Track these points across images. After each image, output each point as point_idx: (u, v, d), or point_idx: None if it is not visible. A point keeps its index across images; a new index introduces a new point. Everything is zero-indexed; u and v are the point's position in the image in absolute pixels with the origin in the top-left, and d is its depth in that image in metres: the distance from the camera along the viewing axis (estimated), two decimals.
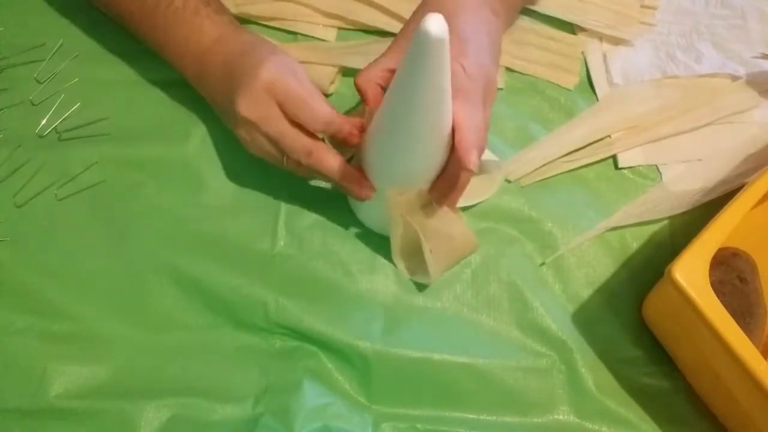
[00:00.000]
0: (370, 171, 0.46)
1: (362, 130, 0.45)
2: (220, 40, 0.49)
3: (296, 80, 0.45)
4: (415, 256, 0.50)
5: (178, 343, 0.49)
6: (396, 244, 0.49)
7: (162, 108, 0.55)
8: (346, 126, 0.45)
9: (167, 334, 0.49)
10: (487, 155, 0.49)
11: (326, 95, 0.57)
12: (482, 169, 0.49)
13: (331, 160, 0.46)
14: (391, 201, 0.46)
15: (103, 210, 0.52)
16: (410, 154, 0.43)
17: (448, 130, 0.41)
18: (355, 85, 0.45)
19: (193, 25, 0.49)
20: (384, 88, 0.44)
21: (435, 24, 0.34)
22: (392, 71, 0.42)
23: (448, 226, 0.47)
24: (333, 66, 0.57)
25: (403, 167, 0.45)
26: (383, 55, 0.46)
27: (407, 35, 0.45)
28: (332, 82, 0.57)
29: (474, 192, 0.52)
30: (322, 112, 0.44)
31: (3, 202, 0.51)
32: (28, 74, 0.56)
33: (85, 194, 0.52)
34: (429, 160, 0.44)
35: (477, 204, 0.54)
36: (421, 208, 0.47)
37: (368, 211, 0.52)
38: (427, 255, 0.47)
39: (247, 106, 0.45)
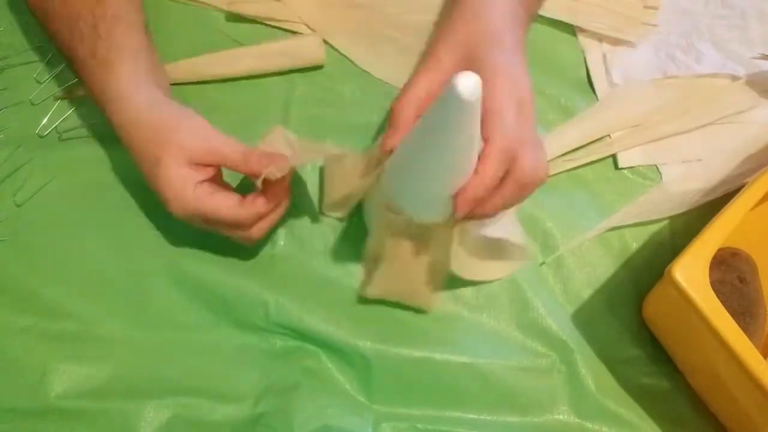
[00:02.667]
0: (413, 211, 0.44)
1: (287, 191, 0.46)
2: (105, 110, 0.45)
3: (200, 194, 0.43)
4: (371, 264, 0.50)
5: (178, 343, 0.49)
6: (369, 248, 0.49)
7: None
8: (277, 210, 0.46)
9: (167, 334, 0.49)
10: (516, 237, 0.48)
11: (320, 66, 0.57)
12: (502, 250, 0.49)
13: (264, 227, 0.46)
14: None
15: (103, 210, 0.52)
16: (431, 190, 0.41)
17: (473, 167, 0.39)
18: (392, 112, 0.41)
19: (88, 84, 0.46)
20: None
21: (468, 85, 0.32)
22: (429, 97, 0.40)
23: (416, 270, 0.48)
24: (315, 36, 0.58)
25: (439, 205, 0.42)
26: (426, 67, 0.42)
27: (453, 47, 0.42)
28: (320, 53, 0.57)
29: (492, 268, 0.51)
30: (239, 218, 0.44)
31: (3, 202, 0.51)
32: (28, 74, 0.56)
33: (85, 194, 0.52)
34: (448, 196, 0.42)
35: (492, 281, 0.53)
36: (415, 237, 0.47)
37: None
38: (381, 272, 0.48)
39: (169, 208, 0.44)
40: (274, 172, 0.42)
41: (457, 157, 0.38)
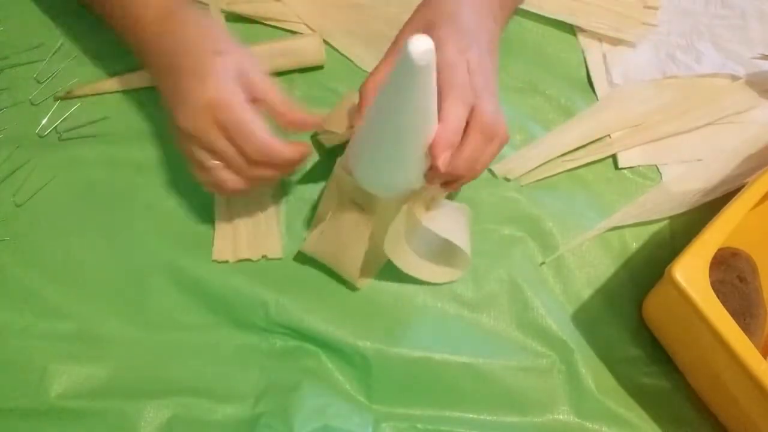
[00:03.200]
0: (362, 178, 0.45)
1: (306, 150, 0.45)
2: (167, 19, 0.45)
3: (241, 100, 0.43)
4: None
5: (178, 343, 0.49)
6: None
7: (162, 108, 0.55)
8: (285, 154, 0.44)
9: (167, 334, 0.49)
10: (462, 243, 0.48)
11: (320, 67, 0.58)
12: (445, 254, 0.50)
13: (267, 173, 0.45)
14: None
15: (103, 210, 0.52)
16: (395, 166, 0.42)
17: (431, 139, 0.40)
18: (363, 89, 0.44)
19: (139, 11, 0.46)
20: None
21: (421, 47, 0.33)
22: None
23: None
24: (315, 36, 0.58)
25: (389, 178, 0.44)
26: (382, 60, 0.45)
27: (413, 30, 0.45)
28: (320, 53, 0.57)
29: (433, 270, 0.51)
30: (263, 145, 0.43)
31: (3, 202, 0.51)
32: (28, 74, 0.56)
33: (85, 194, 0.52)
34: (414, 170, 0.43)
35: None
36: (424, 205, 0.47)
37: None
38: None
39: (185, 119, 0.43)
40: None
41: (414, 121, 0.38)
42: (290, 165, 0.46)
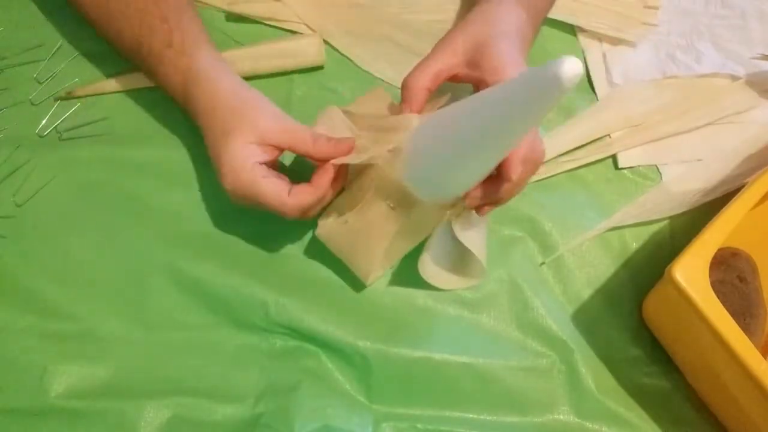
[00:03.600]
0: (414, 178, 0.44)
1: (337, 180, 0.45)
2: (185, 92, 0.47)
3: (256, 176, 0.43)
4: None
5: (178, 343, 0.49)
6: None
7: (162, 107, 0.55)
8: (323, 200, 0.45)
9: (167, 334, 0.49)
10: (481, 255, 0.47)
11: (320, 68, 0.58)
12: (463, 263, 0.49)
13: (313, 202, 0.45)
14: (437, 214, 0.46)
15: (103, 210, 0.52)
16: (464, 175, 0.41)
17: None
18: (404, 86, 0.44)
19: (161, 73, 0.48)
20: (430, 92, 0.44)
21: (572, 70, 0.30)
22: (440, 74, 0.44)
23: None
24: (315, 36, 0.58)
25: (448, 185, 0.43)
26: (441, 50, 0.45)
27: (467, 37, 0.45)
28: (320, 54, 0.57)
29: (446, 277, 0.50)
30: (286, 210, 0.44)
31: (3, 202, 0.51)
32: (28, 74, 0.56)
33: (85, 194, 0.52)
34: (476, 181, 0.42)
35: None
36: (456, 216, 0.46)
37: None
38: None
39: (224, 183, 0.45)
40: (344, 160, 0.44)
41: (511, 139, 0.37)
42: (323, 199, 0.46)
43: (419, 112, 0.44)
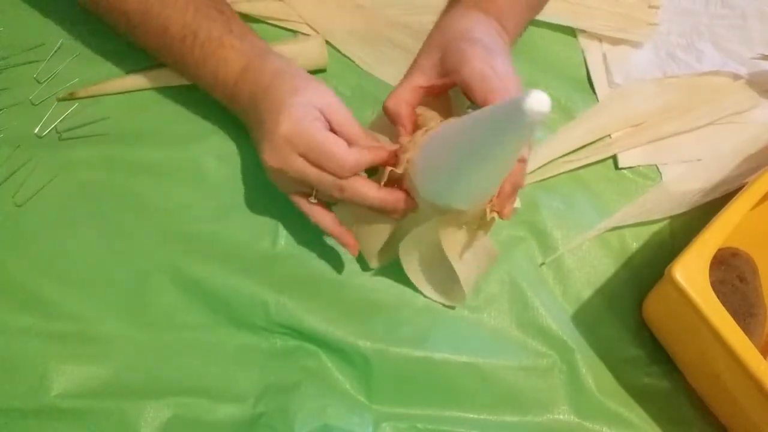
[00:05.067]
0: (419, 183, 0.44)
1: (397, 155, 0.44)
2: (246, 71, 0.48)
3: (318, 126, 0.44)
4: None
5: (178, 343, 0.49)
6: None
7: (162, 107, 0.55)
8: (378, 159, 0.44)
9: (167, 334, 0.49)
10: (467, 282, 0.48)
11: (322, 70, 0.58)
12: (445, 281, 0.49)
13: (365, 189, 0.44)
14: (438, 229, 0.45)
15: (103, 210, 0.52)
16: (469, 188, 0.41)
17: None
18: (385, 108, 0.44)
19: (219, 58, 0.48)
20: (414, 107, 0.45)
21: (539, 103, 0.30)
22: (422, 89, 0.44)
23: (478, 239, 0.47)
24: (318, 38, 0.58)
25: (449, 196, 0.42)
26: (409, 73, 0.46)
27: (430, 52, 0.45)
28: (323, 57, 0.57)
29: (429, 288, 0.51)
30: (346, 160, 0.43)
31: (3, 202, 0.51)
32: (28, 74, 0.56)
33: (85, 194, 0.52)
34: (478, 198, 0.42)
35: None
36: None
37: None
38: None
39: (269, 155, 0.45)
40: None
41: (499, 165, 0.38)
42: (384, 165, 0.45)
43: (412, 125, 0.44)
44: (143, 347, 0.48)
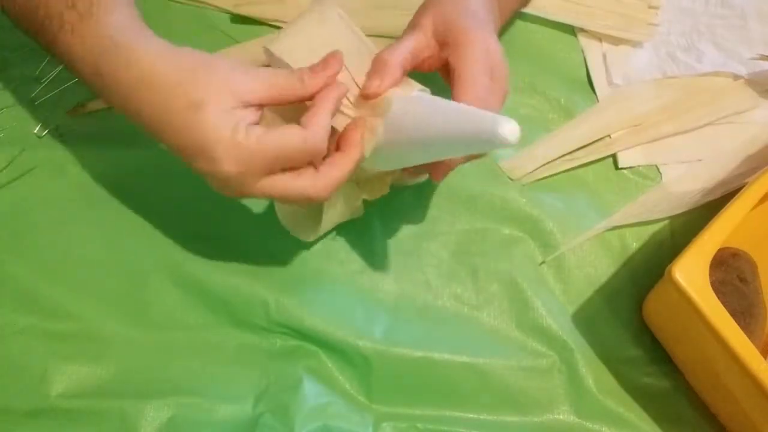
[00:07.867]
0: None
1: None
2: (99, 75, 0.37)
3: (258, 132, 0.36)
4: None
5: (178, 343, 0.48)
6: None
7: None
8: (323, 133, 0.38)
9: (167, 333, 0.49)
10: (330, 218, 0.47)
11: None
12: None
13: (339, 172, 0.39)
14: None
15: (103, 210, 0.52)
16: (406, 163, 0.43)
17: None
18: (380, 60, 0.40)
19: (68, 43, 0.37)
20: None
21: (511, 133, 0.33)
22: (416, 53, 0.43)
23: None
24: None
25: (388, 165, 0.43)
26: (405, 35, 0.44)
27: (425, 16, 0.44)
28: None
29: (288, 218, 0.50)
30: (315, 144, 0.37)
31: (3, 202, 0.51)
32: (28, 74, 0.56)
33: (85, 194, 0.52)
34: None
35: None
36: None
37: None
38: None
39: (232, 194, 0.39)
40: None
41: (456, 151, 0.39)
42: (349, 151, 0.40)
43: (392, 86, 0.41)
44: (143, 347, 0.48)
